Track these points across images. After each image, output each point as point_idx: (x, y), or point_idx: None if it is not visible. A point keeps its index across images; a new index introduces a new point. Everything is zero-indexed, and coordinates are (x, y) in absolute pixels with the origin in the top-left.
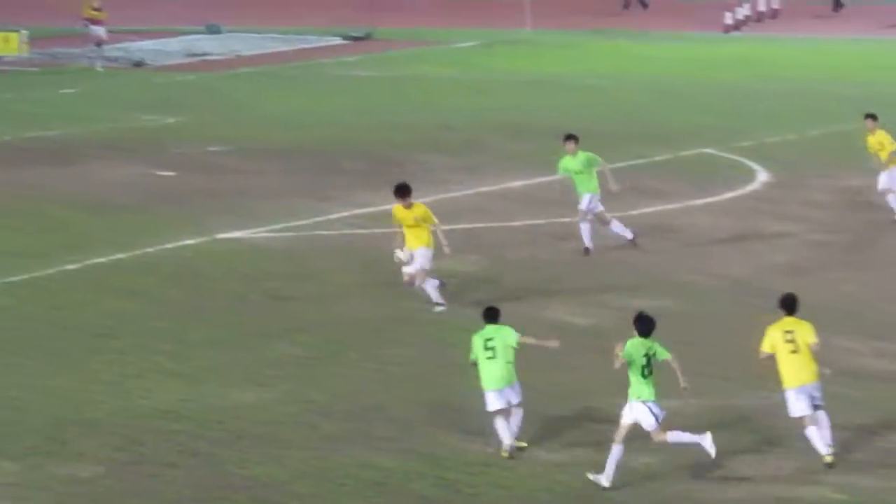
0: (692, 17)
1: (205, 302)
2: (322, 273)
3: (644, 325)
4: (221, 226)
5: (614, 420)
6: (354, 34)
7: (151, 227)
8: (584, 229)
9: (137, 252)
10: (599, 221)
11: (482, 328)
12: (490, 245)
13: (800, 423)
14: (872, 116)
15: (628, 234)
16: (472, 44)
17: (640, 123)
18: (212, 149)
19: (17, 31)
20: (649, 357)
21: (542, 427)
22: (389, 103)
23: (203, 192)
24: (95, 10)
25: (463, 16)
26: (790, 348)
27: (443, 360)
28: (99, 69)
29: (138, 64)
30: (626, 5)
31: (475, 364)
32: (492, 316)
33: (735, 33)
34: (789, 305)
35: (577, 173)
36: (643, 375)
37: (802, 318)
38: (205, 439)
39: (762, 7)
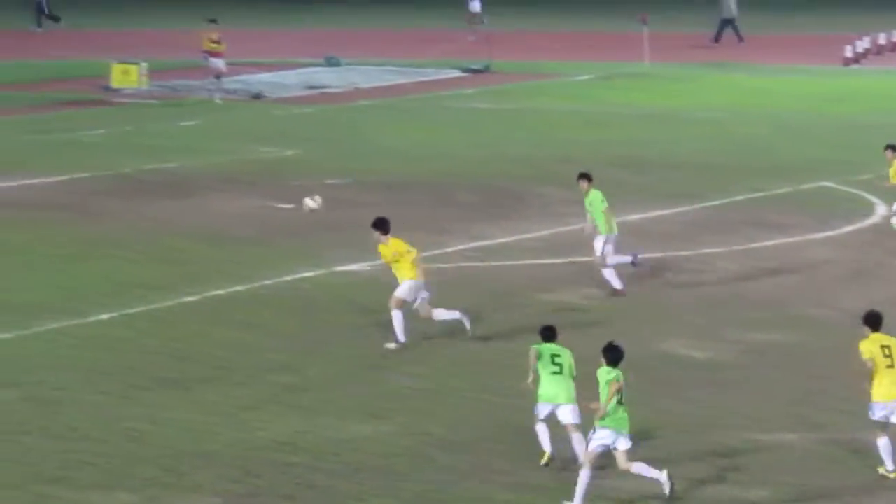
0: (811, 50)
1: (322, 334)
2: (439, 306)
3: (614, 354)
4: (339, 258)
5: (736, 453)
6: (473, 67)
7: (269, 259)
8: (608, 273)
9: (255, 284)
10: (597, 263)
11: (542, 343)
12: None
13: (878, 431)
14: (893, 147)
15: (616, 284)
16: (589, 77)
17: (758, 156)
18: (330, 181)
19: (136, 63)
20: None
21: (664, 460)
22: (507, 136)
23: (321, 224)
24: (214, 42)
25: (580, 49)
26: (887, 363)
27: None
28: (218, 101)
29: (257, 96)
30: (717, 39)
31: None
32: (550, 335)
33: (855, 66)
34: (876, 322)
35: (590, 212)
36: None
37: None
38: (322, 472)
39: (882, 40)
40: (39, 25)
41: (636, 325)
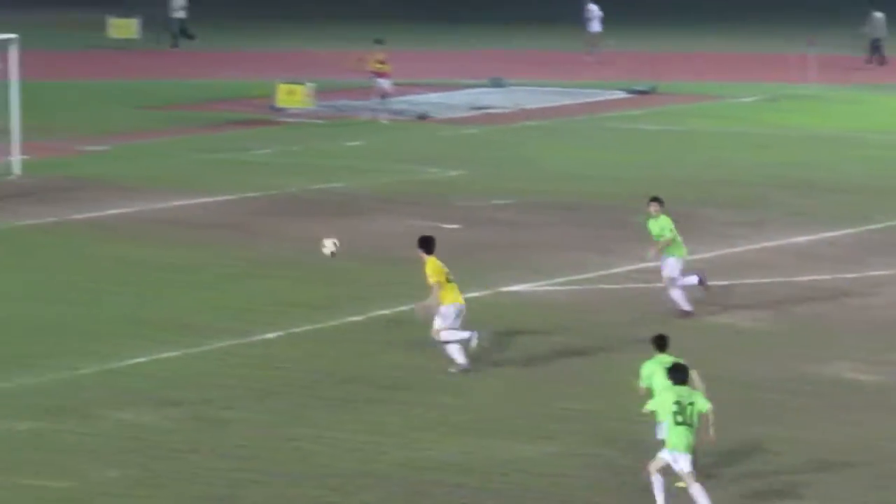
0: None
1: (489, 355)
2: (606, 327)
3: (679, 374)
4: (505, 279)
5: None
6: (638, 88)
7: None
8: (676, 295)
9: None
10: (666, 285)
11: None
12: (774, 301)
13: None
14: None
15: (686, 306)
16: (754, 98)
17: None
18: (495, 202)
19: (302, 83)
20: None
21: (837, 485)
22: (672, 157)
23: (487, 245)
24: (380, 62)
25: (745, 70)
26: None
27: (731, 413)
28: (383, 122)
29: (422, 117)
30: (869, 60)
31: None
32: (662, 344)
33: None
34: None
35: (657, 237)
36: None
37: None
38: (490, 493)
39: None
40: (176, 45)
41: (802, 347)
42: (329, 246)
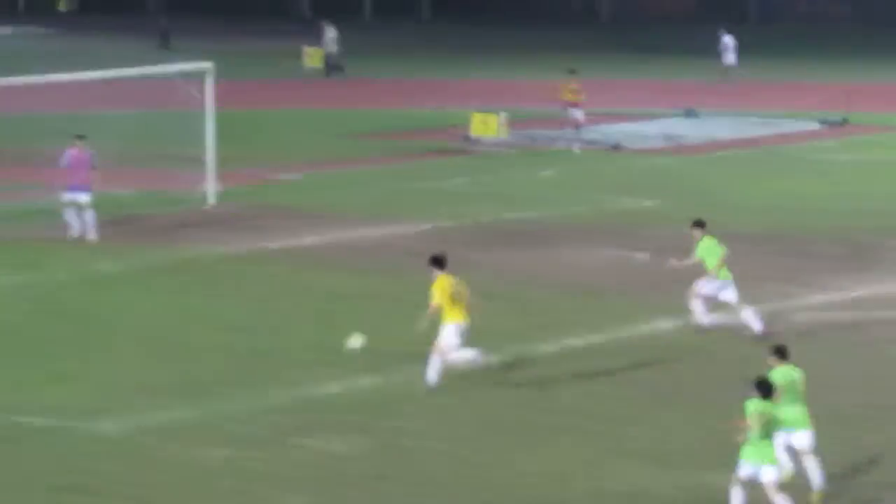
0: None
1: (677, 385)
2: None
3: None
4: (699, 310)
5: None
6: (830, 119)
7: (627, 310)
8: (748, 315)
9: (612, 335)
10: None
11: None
12: None
13: None
14: None
15: (758, 325)
16: None
17: None
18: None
19: (495, 112)
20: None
21: None
22: (864, 189)
23: (679, 276)
24: (573, 92)
25: None
26: None
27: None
28: (576, 151)
29: (615, 147)
30: None
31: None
32: (783, 354)
33: None
34: None
35: (708, 260)
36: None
37: None
38: None
39: None
40: (328, 76)
41: None
42: (354, 343)
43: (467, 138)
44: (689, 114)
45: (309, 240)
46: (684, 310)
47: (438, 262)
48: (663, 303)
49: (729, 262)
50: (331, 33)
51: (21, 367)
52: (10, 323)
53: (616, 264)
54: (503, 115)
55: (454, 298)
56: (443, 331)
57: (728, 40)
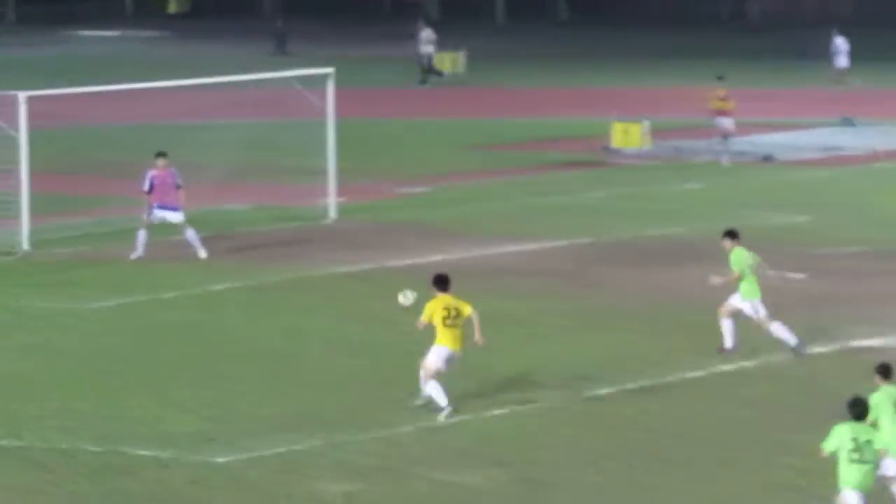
0: None
1: (834, 413)
2: None
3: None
4: (855, 333)
5: None
6: None
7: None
8: (777, 329)
9: (763, 359)
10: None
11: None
12: None
13: None
14: None
15: (792, 340)
16: None
17: None
18: (846, 250)
19: (638, 122)
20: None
21: None
22: None
23: (835, 296)
24: (722, 100)
25: None
26: None
27: None
28: (725, 163)
29: (767, 158)
30: None
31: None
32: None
33: None
34: None
35: (740, 270)
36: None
37: None
38: None
39: None
40: (424, 82)
41: None
42: (403, 301)
43: (607, 149)
44: (846, 123)
45: (435, 258)
46: (841, 333)
47: (441, 283)
48: (818, 325)
49: (891, 283)
50: (427, 33)
51: (131, 395)
52: (116, 347)
53: (768, 284)
54: (646, 125)
55: (447, 324)
56: (429, 352)
57: (840, 42)
